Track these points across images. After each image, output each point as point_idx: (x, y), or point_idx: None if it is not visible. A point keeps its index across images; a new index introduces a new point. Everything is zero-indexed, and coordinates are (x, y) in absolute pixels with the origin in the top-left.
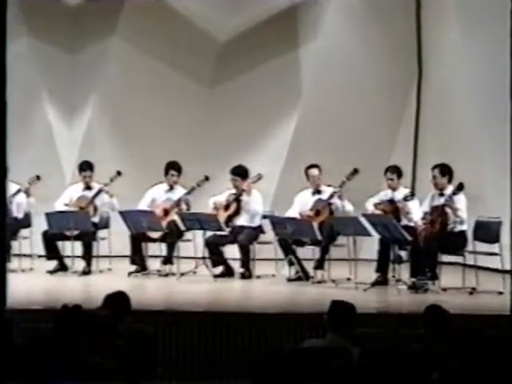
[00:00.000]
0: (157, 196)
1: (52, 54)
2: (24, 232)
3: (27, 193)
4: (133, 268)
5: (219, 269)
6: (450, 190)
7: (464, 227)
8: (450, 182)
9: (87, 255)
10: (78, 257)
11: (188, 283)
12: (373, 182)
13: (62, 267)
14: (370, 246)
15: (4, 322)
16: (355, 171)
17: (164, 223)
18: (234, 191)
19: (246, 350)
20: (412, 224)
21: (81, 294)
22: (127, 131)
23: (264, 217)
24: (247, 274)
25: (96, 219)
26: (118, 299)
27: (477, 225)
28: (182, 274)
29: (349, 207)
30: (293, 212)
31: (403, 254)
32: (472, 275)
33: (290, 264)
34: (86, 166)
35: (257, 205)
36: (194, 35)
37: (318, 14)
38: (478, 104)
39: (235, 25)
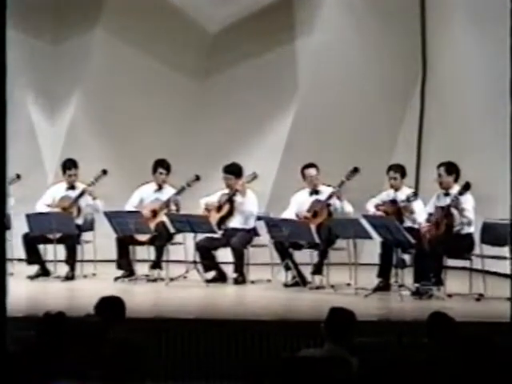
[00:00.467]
0: (145, 196)
1: (34, 46)
2: None
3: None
4: (119, 273)
5: (211, 274)
6: (456, 189)
7: (471, 229)
8: (456, 181)
9: (71, 259)
10: (61, 261)
11: (178, 289)
12: (374, 181)
13: (44, 272)
14: (371, 249)
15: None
16: (355, 170)
17: (152, 225)
18: (226, 191)
19: (240, 360)
20: (416, 226)
21: (64, 300)
22: (113, 127)
23: (259, 218)
24: (241, 280)
25: (80, 221)
26: (111, 304)
27: (484, 227)
28: (172, 280)
29: (348, 208)
30: (289, 213)
31: (406, 257)
32: (479, 280)
33: (287, 269)
34: (69, 165)
35: (251, 206)
36: (182, 26)
37: (315, 5)
38: (486, 100)
39: (227, 15)
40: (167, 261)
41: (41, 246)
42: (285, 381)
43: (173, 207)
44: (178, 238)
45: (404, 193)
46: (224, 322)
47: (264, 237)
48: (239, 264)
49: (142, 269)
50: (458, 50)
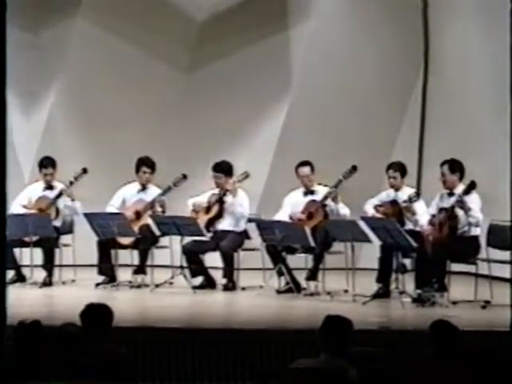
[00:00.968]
0: (128, 196)
1: (10, 35)
2: None
3: None
4: (100, 279)
5: (199, 279)
6: (460, 189)
7: (477, 231)
8: (460, 180)
9: (48, 264)
10: (38, 266)
11: (163, 296)
12: (373, 181)
13: (20, 278)
14: (370, 253)
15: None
16: (353, 169)
17: (136, 227)
18: (216, 191)
19: (230, 372)
20: (418, 228)
21: (40, 308)
22: (94, 123)
23: (250, 220)
24: (231, 286)
25: (58, 223)
26: (98, 313)
27: (491, 229)
28: (157, 286)
29: (344, 211)
30: (282, 215)
31: (407, 262)
32: (485, 286)
33: (280, 274)
34: (47, 163)
35: (242, 207)
36: (167, 14)
37: None
38: (492, 94)
39: (215, 2)
40: (152, 266)
41: (16, 250)
42: None
43: (158, 208)
44: (164, 241)
45: (405, 193)
46: (213, 331)
47: (255, 240)
48: (229, 269)
49: (124, 274)
50: (463, 41)
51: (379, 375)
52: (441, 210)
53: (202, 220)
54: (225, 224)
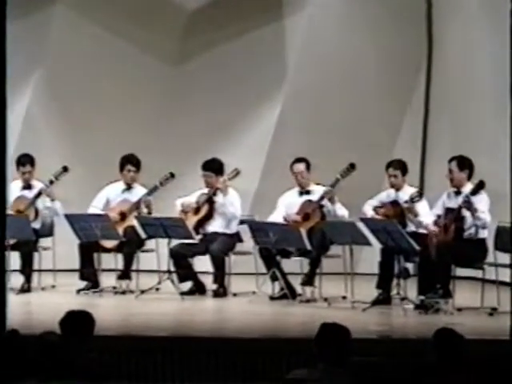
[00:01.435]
0: (112, 197)
1: None
2: None
3: None
4: (82, 284)
5: (187, 285)
6: (468, 188)
7: (484, 234)
8: (469, 178)
9: (27, 269)
10: (16, 271)
11: (149, 302)
12: (373, 180)
13: None
14: (370, 257)
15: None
16: (352, 167)
17: (120, 230)
18: (205, 190)
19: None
20: (421, 231)
21: (18, 316)
22: (75, 118)
23: (242, 222)
24: (221, 292)
25: (37, 225)
26: (80, 320)
27: (498, 231)
28: (143, 292)
29: (341, 212)
30: (276, 216)
31: (410, 266)
32: (492, 292)
33: (273, 279)
34: (25, 160)
35: (234, 207)
36: (154, 1)
37: None
38: (499, 88)
39: None
40: (137, 270)
41: None
42: None
43: (144, 209)
44: (150, 244)
45: (406, 192)
46: (202, 340)
47: (248, 243)
48: (220, 274)
49: (108, 280)
50: (467, 38)
51: None
52: (447, 210)
53: (191, 221)
54: (215, 225)
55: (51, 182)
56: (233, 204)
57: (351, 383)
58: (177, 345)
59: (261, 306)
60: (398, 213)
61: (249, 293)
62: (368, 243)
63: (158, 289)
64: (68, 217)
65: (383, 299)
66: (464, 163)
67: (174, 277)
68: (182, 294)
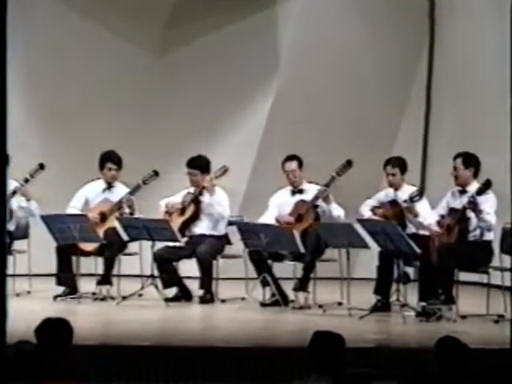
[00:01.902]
0: (91, 196)
1: None
2: None
3: None
4: (60, 290)
5: (172, 291)
6: (474, 187)
7: (490, 236)
8: (475, 177)
9: None
10: None
11: (131, 309)
12: (371, 178)
13: None
14: (368, 261)
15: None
16: (348, 164)
17: (100, 232)
18: (191, 190)
19: None
20: (422, 232)
21: None
22: (52, 112)
23: (231, 223)
24: (208, 298)
25: (11, 226)
26: (56, 329)
27: (504, 234)
28: (124, 298)
29: (337, 212)
30: (268, 217)
31: (410, 271)
32: (499, 298)
33: (264, 284)
34: None
35: (221, 207)
36: None
37: None
38: (504, 82)
39: None
40: (118, 275)
41: None
42: None
43: (126, 210)
44: (132, 247)
45: (406, 192)
46: (188, 349)
47: (237, 245)
48: (207, 278)
49: (87, 285)
50: (470, 25)
51: None
52: (451, 210)
53: (176, 223)
54: (202, 227)
55: (26, 181)
56: (220, 204)
57: None
58: (161, 355)
59: (251, 313)
60: (398, 213)
61: (238, 299)
62: (365, 246)
63: (140, 295)
64: (44, 218)
65: (382, 306)
66: (470, 160)
67: (158, 282)
68: (167, 300)
